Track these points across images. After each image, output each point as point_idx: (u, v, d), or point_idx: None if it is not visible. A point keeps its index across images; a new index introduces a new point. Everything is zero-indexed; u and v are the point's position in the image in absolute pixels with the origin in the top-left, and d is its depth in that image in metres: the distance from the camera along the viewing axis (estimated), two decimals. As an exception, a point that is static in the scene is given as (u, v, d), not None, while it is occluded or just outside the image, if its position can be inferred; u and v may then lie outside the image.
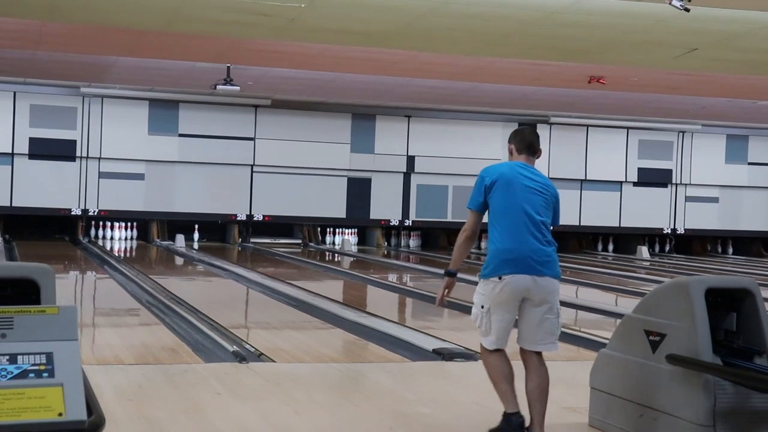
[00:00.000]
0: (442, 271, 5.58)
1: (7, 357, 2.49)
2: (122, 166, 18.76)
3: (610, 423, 4.76)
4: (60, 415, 2.42)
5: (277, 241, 19.84)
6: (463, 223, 4.75)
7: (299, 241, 20.00)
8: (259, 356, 6.72)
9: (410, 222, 20.41)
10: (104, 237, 19.12)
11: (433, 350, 7.02)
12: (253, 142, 19.46)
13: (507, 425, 4.50)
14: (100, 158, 18.64)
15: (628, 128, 21.39)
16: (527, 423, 4.50)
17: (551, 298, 4.53)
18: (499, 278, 4.51)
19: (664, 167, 21.73)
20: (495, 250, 4.57)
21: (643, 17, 9.85)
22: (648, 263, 19.04)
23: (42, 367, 2.49)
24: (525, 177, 4.67)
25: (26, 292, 2.90)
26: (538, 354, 4.56)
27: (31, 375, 2.48)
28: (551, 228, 4.67)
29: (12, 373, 2.47)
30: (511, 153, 4.89)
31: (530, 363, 4.56)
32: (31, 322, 2.53)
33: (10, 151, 18.14)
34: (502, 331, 4.54)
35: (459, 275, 4.80)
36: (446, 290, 4.77)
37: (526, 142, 4.86)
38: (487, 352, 4.60)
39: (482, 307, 4.57)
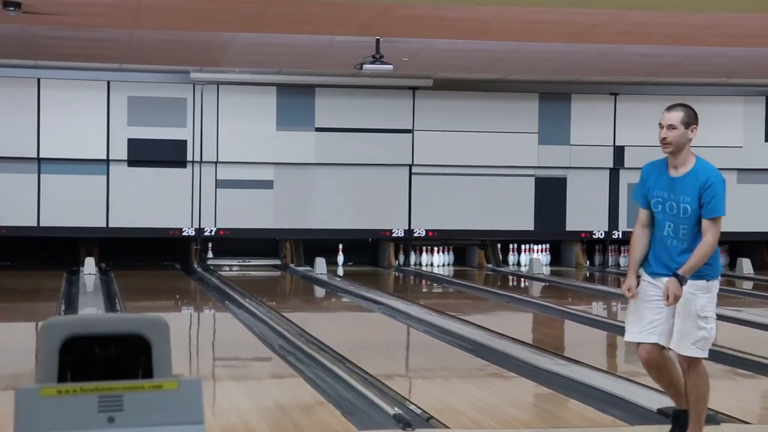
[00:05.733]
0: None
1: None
2: (245, 171, 19.17)
3: None
4: None
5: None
6: None
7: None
8: (428, 420, 6.76)
9: (620, 234, 20.11)
10: (224, 263, 19.52)
11: (658, 410, 6.91)
12: (411, 135, 19.58)
13: None
14: (216, 162, 19.10)
15: None
16: None
17: None
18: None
19: None
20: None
21: None
22: None
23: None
24: None
25: (133, 352, 2.98)
26: None
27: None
28: None
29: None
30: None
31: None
32: (145, 401, 2.56)
33: (105, 157, 18.74)
34: None
35: None
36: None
37: None
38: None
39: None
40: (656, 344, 6.01)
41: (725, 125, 19.93)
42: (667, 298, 5.89)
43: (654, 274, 6.07)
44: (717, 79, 19.24)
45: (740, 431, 6.61)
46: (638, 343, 6.07)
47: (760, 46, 15.42)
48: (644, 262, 6.17)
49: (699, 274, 5.95)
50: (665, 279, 5.97)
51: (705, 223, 5.95)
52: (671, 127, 6.04)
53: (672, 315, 5.99)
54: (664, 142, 6.05)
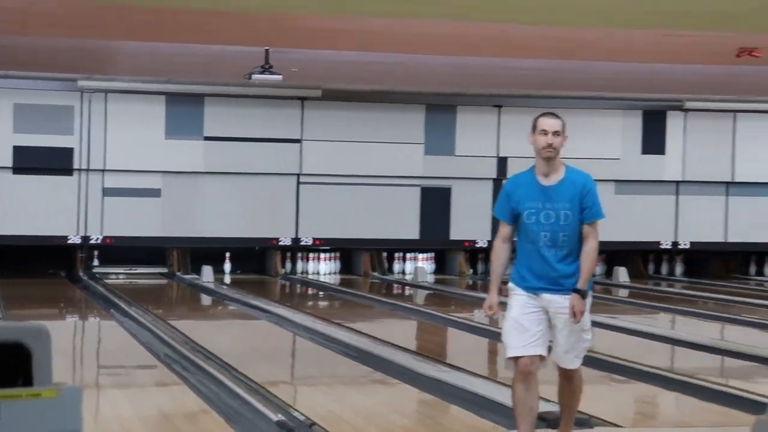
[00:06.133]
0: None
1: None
2: (133, 179, 18.97)
3: None
4: None
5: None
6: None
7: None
8: (310, 426, 6.76)
9: (503, 243, 20.32)
10: (110, 272, 19.29)
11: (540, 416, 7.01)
12: (299, 144, 19.57)
13: None
14: (104, 170, 18.88)
15: (788, 114, 21.08)
16: None
17: None
18: None
19: (839, 164, 21.35)
20: None
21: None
22: (819, 292, 18.73)
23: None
24: None
25: (12, 361, 2.94)
26: None
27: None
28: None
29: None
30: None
31: None
32: (22, 410, 2.52)
33: (-8, 164, 18.48)
34: None
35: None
36: None
37: None
38: None
39: None
40: (537, 356, 5.94)
41: (603, 137, 20.30)
42: (574, 315, 5.83)
43: (531, 289, 5.97)
44: (597, 92, 19.58)
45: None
46: (519, 357, 5.92)
47: (637, 61, 15.76)
48: (516, 278, 6.04)
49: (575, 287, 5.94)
50: (545, 295, 5.92)
51: (586, 228, 5.93)
52: (557, 133, 5.94)
53: (545, 328, 5.97)
54: (550, 147, 5.91)
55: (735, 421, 7.00)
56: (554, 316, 5.95)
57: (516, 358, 5.92)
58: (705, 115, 20.77)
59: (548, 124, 5.93)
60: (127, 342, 11.14)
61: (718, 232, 20.96)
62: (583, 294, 5.86)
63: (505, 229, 6.07)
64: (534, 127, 5.99)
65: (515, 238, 6.08)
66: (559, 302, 5.90)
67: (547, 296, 5.93)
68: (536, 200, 5.94)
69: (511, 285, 6.07)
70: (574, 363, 5.99)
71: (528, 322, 5.91)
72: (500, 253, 6.08)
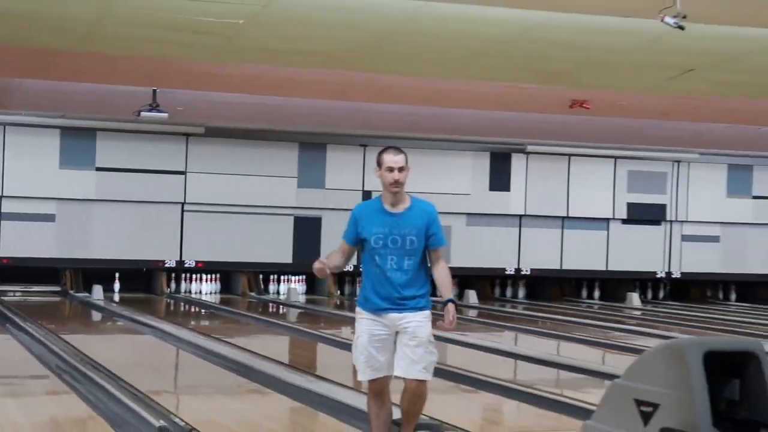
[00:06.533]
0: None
1: None
2: (28, 205, 18.57)
3: (597, 508, 4.76)
4: None
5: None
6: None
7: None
8: (190, 431, 6.67)
9: (367, 268, 20.38)
10: (7, 290, 18.84)
11: (394, 421, 7.00)
12: (183, 176, 19.38)
13: None
14: (1, 197, 18.45)
15: (615, 158, 21.62)
16: None
17: None
18: None
19: (658, 202, 21.98)
20: None
21: (632, 35, 10.01)
22: (640, 312, 19.19)
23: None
24: None
25: None
26: None
27: None
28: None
29: None
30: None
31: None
32: None
33: None
34: None
35: None
36: None
37: None
38: None
39: None
40: (388, 377, 5.85)
41: (456, 175, 20.56)
42: (451, 323, 5.74)
43: (378, 310, 5.83)
44: (450, 135, 19.82)
45: (462, 439, 6.78)
46: (371, 380, 5.85)
47: (487, 109, 16.02)
48: (361, 301, 5.94)
49: (423, 306, 5.83)
50: (391, 314, 5.79)
51: (437, 252, 5.85)
52: (401, 169, 5.78)
53: (392, 348, 5.83)
54: (397, 183, 5.77)
55: (567, 426, 7.11)
56: (402, 331, 5.80)
57: (368, 380, 5.86)
58: (544, 158, 21.21)
59: (393, 161, 5.77)
60: (21, 354, 10.85)
61: (554, 260, 21.38)
62: (454, 302, 5.79)
63: (344, 246, 6.03)
64: (380, 164, 5.82)
65: (359, 265, 6.07)
66: (406, 318, 5.78)
67: (392, 315, 5.80)
68: (383, 226, 5.81)
69: (358, 309, 5.95)
70: (421, 374, 5.77)
71: (375, 350, 5.79)
72: (334, 255, 6.10)
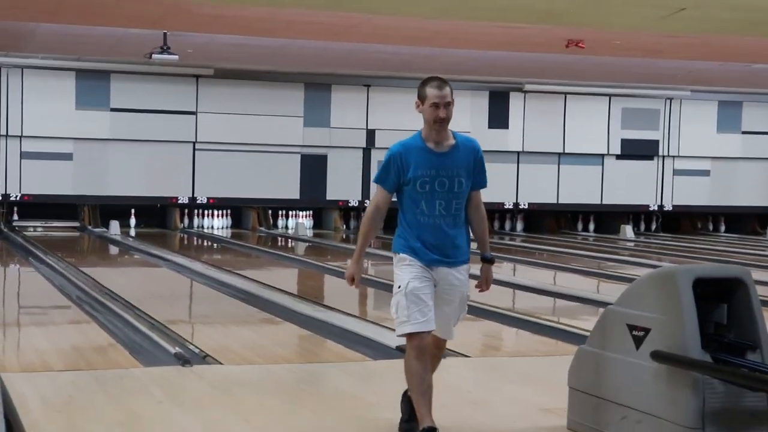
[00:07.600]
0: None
1: None
2: (47, 144, 18.59)
3: (590, 426, 4.82)
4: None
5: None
6: None
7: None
8: (204, 358, 6.72)
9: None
10: (28, 225, 18.92)
11: (397, 347, 7.00)
12: (194, 116, 19.36)
13: None
14: (21, 136, 18.47)
15: (610, 96, 21.53)
16: None
17: None
18: None
19: (650, 138, 21.93)
20: None
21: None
22: (633, 244, 19.24)
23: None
24: None
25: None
26: None
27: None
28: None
29: None
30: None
31: None
32: None
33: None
34: None
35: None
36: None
37: None
38: None
39: None
40: (431, 332, 4.78)
41: (455, 113, 20.15)
42: (486, 283, 4.99)
43: (430, 263, 4.80)
44: (449, 75, 19.69)
45: (462, 363, 6.82)
46: (417, 333, 4.69)
47: (484, 48, 15.92)
48: (406, 249, 4.81)
49: (467, 258, 4.91)
50: (441, 268, 4.80)
51: (477, 195, 4.93)
52: (449, 104, 4.85)
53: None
54: (444, 121, 4.84)
55: (563, 350, 7.16)
56: (447, 289, 4.83)
57: (410, 334, 4.70)
58: (541, 96, 21.12)
59: (439, 96, 4.82)
60: (43, 286, 10.92)
61: (551, 195, 21.40)
62: (492, 261, 4.99)
63: (384, 196, 4.86)
64: (422, 98, 4.87)
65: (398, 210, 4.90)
66: (453, 275, 4.83)
67: (442, 269, 4.81)
68: (429, 168, 4.79)
69: (401, 255, 4.83)
70: (452, 333, 4.95)
71: (426, 295, 4.72)
72: (374, 224, 4.90)
